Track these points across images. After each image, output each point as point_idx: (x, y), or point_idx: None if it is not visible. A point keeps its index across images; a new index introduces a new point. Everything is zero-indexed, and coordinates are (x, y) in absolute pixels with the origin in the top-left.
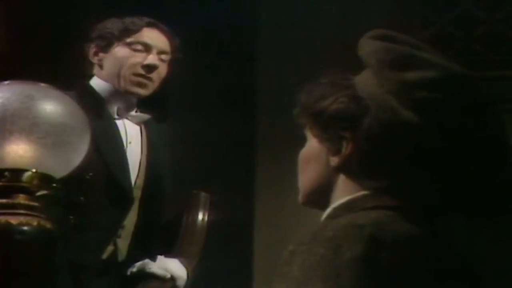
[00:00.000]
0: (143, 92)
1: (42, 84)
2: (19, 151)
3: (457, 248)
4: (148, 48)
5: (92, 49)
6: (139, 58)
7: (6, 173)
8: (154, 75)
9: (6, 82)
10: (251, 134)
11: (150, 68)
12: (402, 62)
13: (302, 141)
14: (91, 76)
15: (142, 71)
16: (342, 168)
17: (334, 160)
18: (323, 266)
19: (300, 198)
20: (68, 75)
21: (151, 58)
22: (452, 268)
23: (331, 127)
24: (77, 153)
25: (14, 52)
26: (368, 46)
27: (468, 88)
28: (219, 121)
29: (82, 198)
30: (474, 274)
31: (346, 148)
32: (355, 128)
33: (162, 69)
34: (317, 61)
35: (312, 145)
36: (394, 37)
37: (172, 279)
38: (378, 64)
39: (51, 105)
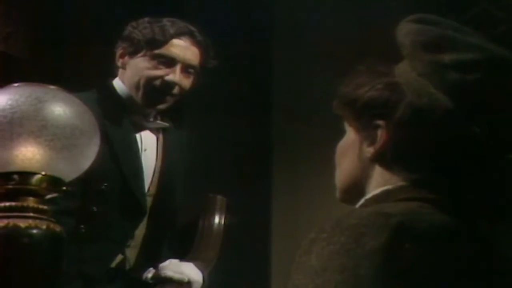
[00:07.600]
0: (160, 107)
1: (51, 87)
2: (28, 153)
3: (500, 250)
4: (173, 63)
5: (119, 50)
6: (161, 72)
7: (15, 176)
8: (175, 90)
9: (15, 85)
10: (267, 137)
11: (170, 84)
12: (437, 44)
13: (318, 144)
14: (114, 76)
15: (160, 86)
16: (377, 159)
17: (370, 151)
18: (341, 256)
19: (337, 194)
20: (89, 74)
21: (172, 76)
22: (493, 271)
23: (365, 115)
24: (86, 156)
25: (32, 54)
26: (404, 29)
27: (509, 74)
28: (235, 124)
29: (94, 208)
30: None
31: (381, 138)
32: (390, 116)
33: (186, 83)
34: (334, 63)
35: (349, 136)
36: (434, 20)
37: (188, 282)
38: (412, 45)
39: (60, 108)
